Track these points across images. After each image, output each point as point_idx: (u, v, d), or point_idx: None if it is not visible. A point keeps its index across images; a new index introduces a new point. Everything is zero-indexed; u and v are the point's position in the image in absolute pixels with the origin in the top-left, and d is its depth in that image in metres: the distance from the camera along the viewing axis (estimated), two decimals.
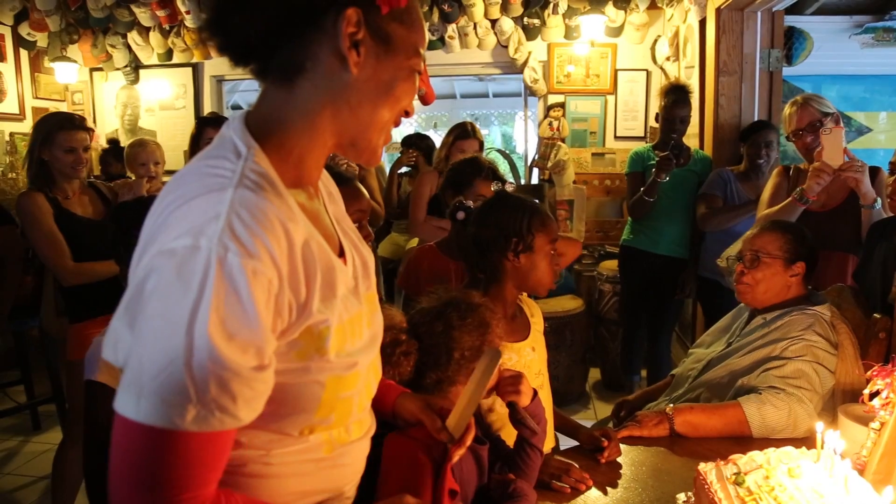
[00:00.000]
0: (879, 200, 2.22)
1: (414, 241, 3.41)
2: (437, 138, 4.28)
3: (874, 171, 2.38)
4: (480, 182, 2.18)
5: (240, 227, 0.70)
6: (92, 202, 2.51)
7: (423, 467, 0.98)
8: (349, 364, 0.85)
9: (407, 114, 0.89)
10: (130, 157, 3.08)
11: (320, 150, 0.86)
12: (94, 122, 5.36)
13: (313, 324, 0.79)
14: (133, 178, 3.06)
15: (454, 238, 1.79)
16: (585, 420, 1.67)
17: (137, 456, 0.69)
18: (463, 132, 3.15)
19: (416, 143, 4.08)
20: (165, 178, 4.76)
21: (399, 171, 4.06)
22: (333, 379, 0.83)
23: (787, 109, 2.51)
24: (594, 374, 4.21)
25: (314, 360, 0.80)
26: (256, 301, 0.69)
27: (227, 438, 0.73)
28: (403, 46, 0.83)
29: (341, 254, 0.90)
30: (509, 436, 1.38)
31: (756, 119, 3.33)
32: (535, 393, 1.31)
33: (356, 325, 0.88)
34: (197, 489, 0.71)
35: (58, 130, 2.35)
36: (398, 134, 8.82)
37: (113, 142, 4.56)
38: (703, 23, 3.56)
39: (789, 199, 2.32)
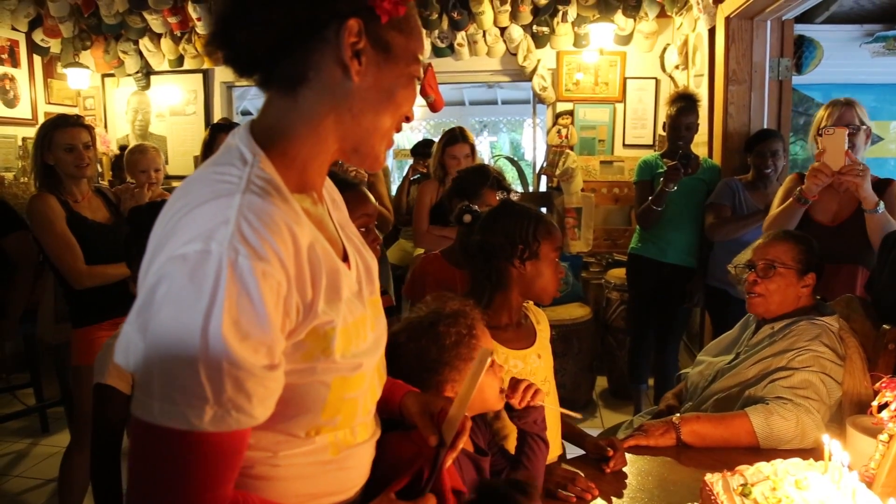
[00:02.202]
0: (882, 203, 2.20)
1: (422, 248, 3.42)
2: None
3: (886, 183, 2.36)
4: (487, 191, 2.18)
5: (248, 230, 0.71)
6: (101, 207, 2.53)
7: (418, 469, 0.98)
8: (354, 365, 0.87)
9: (407, 119, 0.91)
10: (132, 163, 3.13)
11: (324, 157, 0.88)
12: (106, 127, 5.41)
13: (319, 325, 0.81)
14: (133, 182, 3.09)
15: (458, 241, 1.79)
16: (592, 429, 1.66)
17: (158, 459, 0.70)
18: (451, 138, 3.13)
19: (424, 150, 4.10)
20: (176, 183, 4.82)
21: (410, 178, 4.08)
22: (339, 380, 0.85)
23: (826, 108, 2.43)
24: (601, 382, 4.20)
25: (320, 361, 0.82)
26: (266, 302, 0.71)
27: (244, 437, 0.75)
28: (403, 54, 0.86)
29: (345, 259, 0.92)
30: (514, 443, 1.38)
31: (764, 127, 3.31)
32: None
33: (360, 327, 0.90)
34: (218, 489, 0.73)
35: (54, 130, 2.36)
36: (406, 140, 8.87)
37: (124, 148, 4.61)
38: (712, 31, 3.56)
39: (790, 200, 2.32)
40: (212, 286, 0.68)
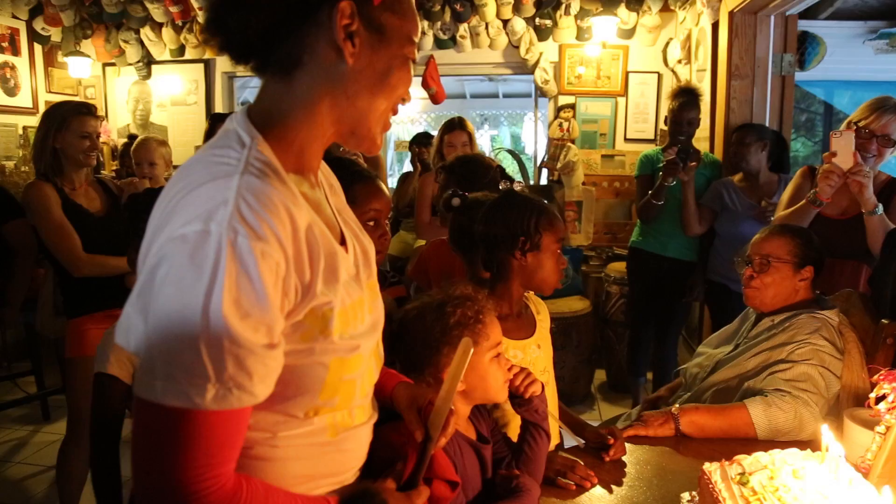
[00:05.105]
0: (881, 206, 2.21)
1: (424, 240, 3.42)
2: None
3: (895, 183, 2.36)
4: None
5: (247, 211, 0.72)
6: (98, 197, 2.51)
7: (409, 460, 0.99)
8: (352, 347, 0.88)
9: (403, 101, 0.92)
10: (133, 156, 3.18)
11: (320, 140, 0.89)
12: (107, 116, 5.40)
13: (317, 305, 0.81)
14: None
15: (450, 226, 1.80)
16: (591, 421, 1.68)
17: (162, 438, 0.71)
18: (449, 126, 3.18)
19: (424, 141, 4.10)
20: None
21: (411, 171, 4.09)
22: (337, 361, 0.86)
23: (871, 108, 2.30)
24: (600, 375, 4.21)
25: (318, 342, 0.83)
26: (266, 282, 0.72)
27: (245, 415, 0.76)
28: (397, 36, 0.86)
29: (342, 243, 0.93)
30: (515, 431, 1.39)
31: (766, 123, 3.32)
32: (542, 386, 1.33)
33: (358, 310, 0.90)
34: (220, 466, 0.73)
35: (73, 116, 2.37)
36: (406, 133, 8.84)
37: (133, 137, 4.61)
38: (715, 26, 3.55)
39: (803, 201, 2.32)
40: (212, 266, 0.69)
